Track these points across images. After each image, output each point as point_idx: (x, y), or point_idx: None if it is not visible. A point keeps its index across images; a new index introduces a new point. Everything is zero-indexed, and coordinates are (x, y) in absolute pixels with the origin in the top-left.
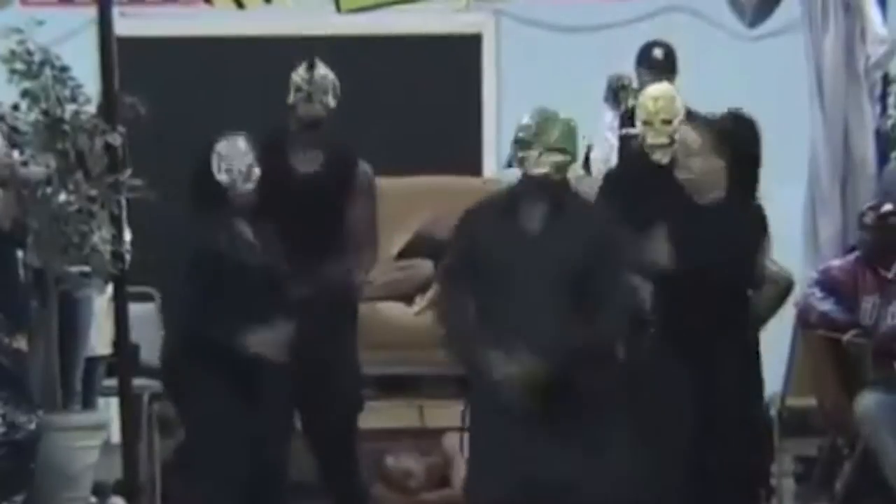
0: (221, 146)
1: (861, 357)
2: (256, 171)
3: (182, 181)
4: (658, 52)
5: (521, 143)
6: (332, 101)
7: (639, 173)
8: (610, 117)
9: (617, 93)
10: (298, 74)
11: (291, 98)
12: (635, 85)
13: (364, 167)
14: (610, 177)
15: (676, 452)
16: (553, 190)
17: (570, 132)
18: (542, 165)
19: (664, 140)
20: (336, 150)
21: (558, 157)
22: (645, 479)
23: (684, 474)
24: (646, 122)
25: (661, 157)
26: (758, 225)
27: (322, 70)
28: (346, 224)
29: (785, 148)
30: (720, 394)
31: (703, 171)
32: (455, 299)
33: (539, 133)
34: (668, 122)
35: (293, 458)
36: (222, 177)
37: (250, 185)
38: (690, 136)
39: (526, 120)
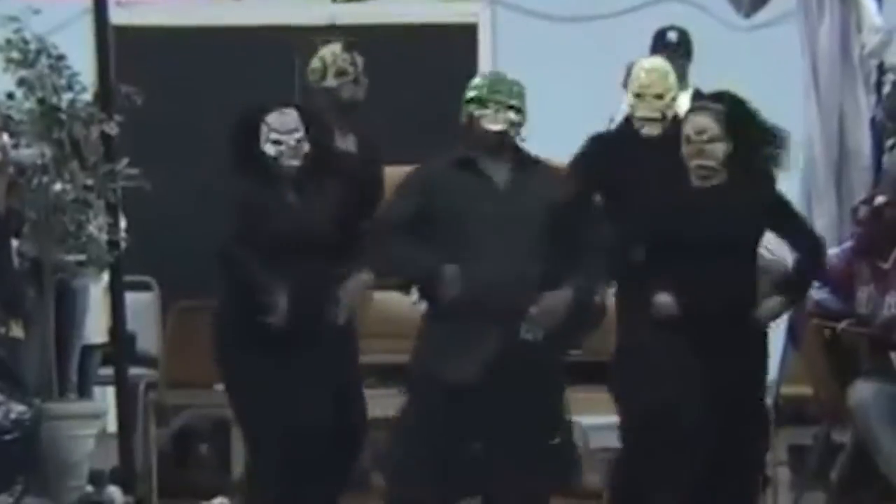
0: (272, 117)
1: (856, 346)
2: (305, 146)
3: (179, 173)
4: (672, 35)
5: (476, 102)
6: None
7: (624, 142)
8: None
9: None
10: (339, 56)
11: (332, 81)
12: None
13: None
14: (598, 138)
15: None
16: (514, 147)
17: (521, 92)
18: (499, 122)
19: (655, 114)
20: (366, 135)
21: (512, 115)
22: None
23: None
24: (637, 95)
25: (651, 131)
26: (761, 204)
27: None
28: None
29: None
30: (726, 378)
31: (722, 158)
32: (397, 237)
33: (493, 91)
34: (659, 96)
35: None
36: (269, 148)
37: (296, 162)
38: (708, 122)
39: (477, 80)
